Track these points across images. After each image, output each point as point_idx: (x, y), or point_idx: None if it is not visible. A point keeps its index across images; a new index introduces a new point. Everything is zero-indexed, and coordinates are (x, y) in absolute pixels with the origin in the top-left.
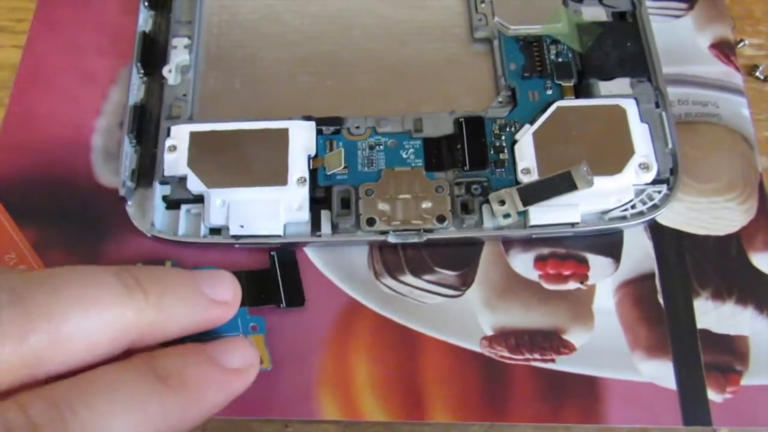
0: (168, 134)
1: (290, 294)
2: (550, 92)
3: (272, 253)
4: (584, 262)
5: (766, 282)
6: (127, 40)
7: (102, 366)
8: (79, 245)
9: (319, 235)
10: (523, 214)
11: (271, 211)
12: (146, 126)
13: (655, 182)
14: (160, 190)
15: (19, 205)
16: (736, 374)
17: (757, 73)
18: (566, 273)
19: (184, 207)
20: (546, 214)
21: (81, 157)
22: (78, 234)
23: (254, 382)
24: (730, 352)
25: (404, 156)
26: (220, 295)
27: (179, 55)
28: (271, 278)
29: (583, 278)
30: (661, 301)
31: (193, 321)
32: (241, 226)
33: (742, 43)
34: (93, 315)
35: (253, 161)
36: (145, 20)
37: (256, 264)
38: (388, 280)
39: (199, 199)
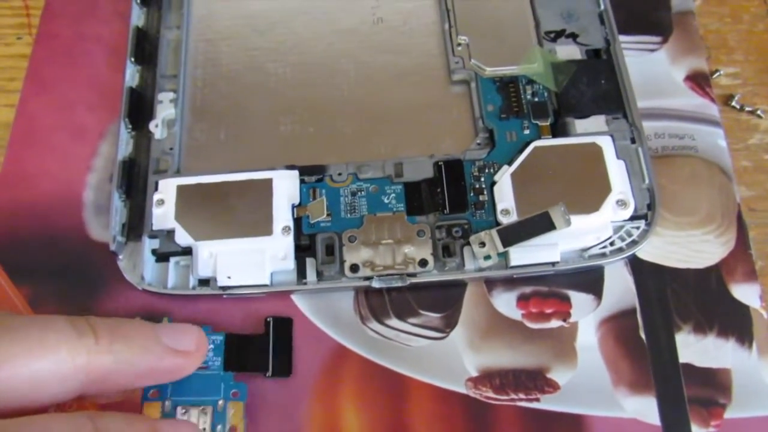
0: (156, 188)
1: (278, 363)
2: (527, 132)
3: (269, 319)
4: (566, 300)
5: (747, 314)
6: (116, 95)
7: (45, 413)
8: (73, 300)
9: (305, 283)
10: (504, 255)
11: (257, 261)
12: (135, 180)
13: (633, 218)
14: (149, 244)
15: (14, 262)
16: (719, 408)
17: (733, 103)
18: (549, 311)
19: (173, 260)
20: (526, 254)
21: (73, 212)
22: (71, 289)
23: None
24: (713, 386)
25: (386, 201)
26: (181, 345)
27: (165, 109)
28: (263, 344)
29: (565, 316)
30: (643, 336)
31: (148, 367)
32: (229, 277)
33: (717, 73)
34: (39, 355)
35: (238, 212)
36: (132, 76)
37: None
38: (374, 325)
39: (187, 252)
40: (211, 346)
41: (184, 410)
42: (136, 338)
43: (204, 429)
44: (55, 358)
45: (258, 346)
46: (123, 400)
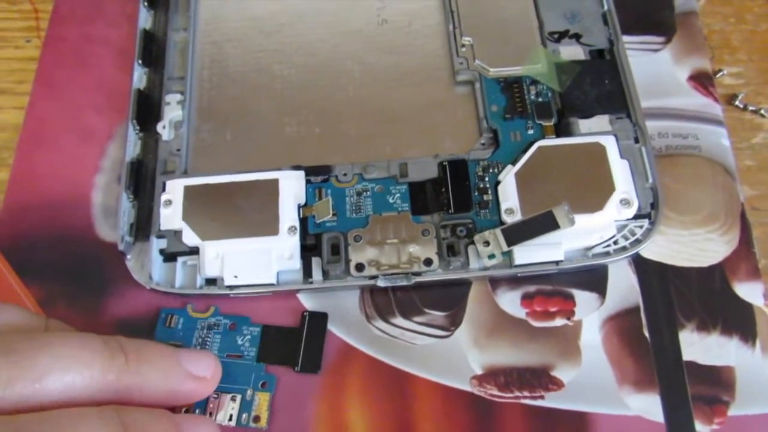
0: (163, 189)
1: (308, 359)
2: (531, 132)
3: (305, 313)
4: (570, 298)
5: (750, 312)
6: (123, 97)
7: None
8: (82, 300)
9: (311, 282)
10: (508, 254)
11: (264, 260)
12: (143, 181)
13: (636, 217)
14: (157, 244)
15: (25, 262)
16: (723, 405)
17: (737, 102)
18: (553, 310)
19: (180, 259)
20: (530, 253)
21: (82, 213)
22: (80, 289)
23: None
24: (717, 384)
25: (391, 201)
26: (199, 371)
27: (172, 110)
28: (296, 338)
29: (569, 314)
30: (646, 334)
31: (169, 389)
32: (236, 276)
33: (720, 73)
34: (74, 370)
35: (245, 212)
36: (139, 78)
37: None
38: (380, 323)
39: (194, 252)
40: (248, 336)
41: (216, 395)
42: (160, 362)
43: (231, 415)
44: (88, 374)
45: (291, 339)
46: None
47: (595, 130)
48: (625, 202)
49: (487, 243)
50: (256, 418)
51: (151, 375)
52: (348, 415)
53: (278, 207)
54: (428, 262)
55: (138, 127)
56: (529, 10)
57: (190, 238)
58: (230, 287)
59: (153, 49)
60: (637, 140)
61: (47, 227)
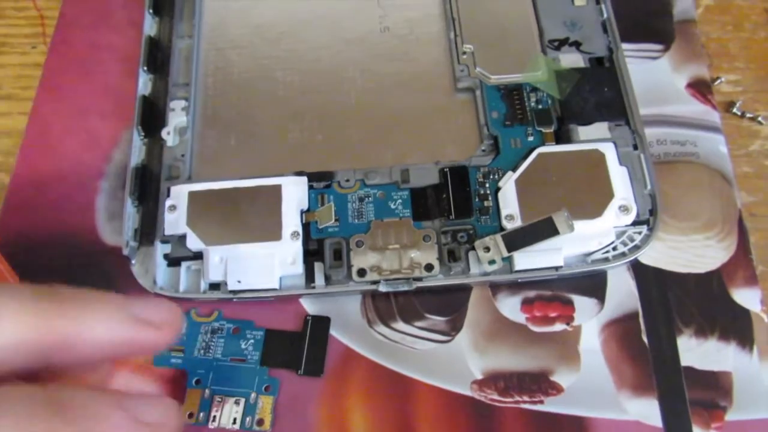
0: (168, 194)
1: (311, 362)
2: (531, 139)
3: (308, 317)
4: (570, 304)
5: (747, 317)
6: (129, 103)
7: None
8: None
9: (313, 287)
10: (509, 260)
11: (267, 265)
12: (147, 186)
13: (635, 223)
14: (161, 249)
15: (28, 266)
16: (720, 410)
17: (735, 109)
18: (552, 315)
19: (184, 264)
20: (530, 258)
21: (86, 217)
22: None
23: None
24: (715, 388)
25: (392, 207)
26: (152, 317)
27: (177, 117)
28: (299, 342)
29: (568, 319)
30: (645, 339)
31: (116, 338)
32: (239, 281)
33: (718, 81)
34: None
35: (248, 218)
36: (144, 84)
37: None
38: (381, 328)
39: (198, 256)
40: (252, 340)
41: (219, 399)
42: (103, 308)
43: (235, 419)
44: (14, 325)
45: (294, 343)
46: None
47: (594, 137)
48: (623, 209)
49: (487, 249)
50: (260, 422)
51: (93, 322)
52: (350, 418)
53: (281, 212)
54: (429, 267)
55: (143, 133)
56: (529, 18)
57: (194, 243)
58: (234, 292)
59: (158, 56)
60: (635, 147)
61: (52, 231)
